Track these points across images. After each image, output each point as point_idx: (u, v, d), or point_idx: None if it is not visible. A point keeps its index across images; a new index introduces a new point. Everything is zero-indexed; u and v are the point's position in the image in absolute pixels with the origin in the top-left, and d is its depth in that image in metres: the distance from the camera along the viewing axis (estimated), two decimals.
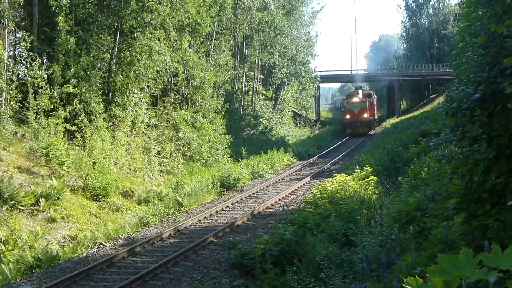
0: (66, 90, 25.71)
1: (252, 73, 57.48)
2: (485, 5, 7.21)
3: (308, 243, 14.07)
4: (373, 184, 21.52)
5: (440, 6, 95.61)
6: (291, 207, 22.30)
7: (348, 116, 62.74)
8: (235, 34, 50.27)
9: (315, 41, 74.39)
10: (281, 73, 61.65)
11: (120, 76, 29.65)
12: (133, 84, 30.11)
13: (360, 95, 64.65)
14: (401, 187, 19.14)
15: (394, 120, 65.36)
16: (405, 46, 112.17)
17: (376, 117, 70.73)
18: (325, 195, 20.53)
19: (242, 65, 54.41)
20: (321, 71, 77.86)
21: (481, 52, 7.10)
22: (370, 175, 22.58)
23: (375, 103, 69.57)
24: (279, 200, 23.94)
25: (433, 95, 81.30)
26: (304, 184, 28.13)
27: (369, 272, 10.52)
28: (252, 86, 57.62)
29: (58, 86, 25.61)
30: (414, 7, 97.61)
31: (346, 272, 11.79)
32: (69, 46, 26.10)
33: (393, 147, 29.19)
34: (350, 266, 12.15)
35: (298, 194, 25.53)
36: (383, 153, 29.05)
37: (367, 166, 24.14)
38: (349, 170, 26.52)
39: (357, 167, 25.48)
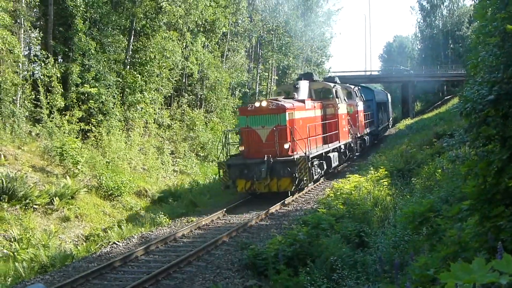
0: (84, 89, 25.92)
1: (266, 74, 57.48)
2: (501, 9, 7.16)
3: (322, 243, 14.05)
4: (386, 185, 21.45)
5: (455, 7, 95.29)
6: (305, 207, 22.26)
7: (243, 148, 24.84)
8: (250, 35, 50.35)
9: (329, 42, 74.20)
10: (295, 73, 61.49)
11: (134, 76, 29.79)
12: (147, 84, 30.24)
13: (303, 91, 28.00)
14: (415, 189, 19.05)
15: (408, 121, 63.76)
16: (419, 47, 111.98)
17: (347, 140, 32.76)
18: (339, 196, 20.49)
19: (256, 66, 54.46)
20: (335, 72, 77.54)
21: (496, 52, 7.06)
22: (384, 177, 22.51)
23: (344, 110, 32.36)
24: (292, 201, 23.90)
25: (448, 97, 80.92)
26: (317, 185, 28.06)
27: (382, 273, 10.48)
28: (266, 87, 57.61)
29: (74, 86, 25.80)
30: (428, 8, 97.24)
31: (359, 273, 11.76)
32: (88, 47, 26.33)
33: (407, 148, 29.06)
34: (363, 267, 12.11)
35: (312, 194, 25.47)
36: (397, 154, 28.93)
37: (381, 167, 24.06)
38: (363, 171, 26.44)
39: (371, 168, 25.39)
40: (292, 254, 13.64)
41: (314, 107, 27.78)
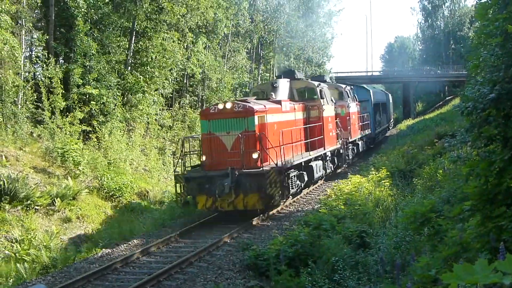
0: (86, 90, 25.98)
1: (267, 75, 57.52)
2: (502, 9, 7.17)
3: (323, 244, 14.06)
4: (388, 186, 21.45)
5: (456, 8, 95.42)
6: (306, 208, 22.25)
7: (204, 158, 20.47)
8: (251, 36, 50.39)
9: (330, 42, 74.16)
10: None
11: (135, 77, 29.85)
12: (148, 84, 30.30)
13: (282, 91, 24.55)
14: (416, 189, 19.05)
15: (409, 121, 63.53)
16: (420, 47, 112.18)
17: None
18: (340, 197, 20.49)
19: (257, 67, 54.51)
20: (337, 73, 77.55)
21: (498, 52, 7.05)
22: (385, 177, 22.49)
23: (331, 112, 28.73)
24: (294, 201, 23.88)
25: (449, 97, 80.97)
26: (318, 186, 28.03)
27: (383, 274, 10.48)
28: None
29: (75, 87, 25.84)
30: (430, 8, 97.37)
31: (360, 273, 11.76)
32: (89, 48, 26.38)
33: (408, 149, 29.05)
34: (365, 267, 12.11)
35: (312, 195, 25.45)
36: (398, 155, 28.91)
37: (382, 168, 24.05)
38: (364, 171, 26.42)
39: (372, 169, 25.38)
40: (293, 254, 13.65)
41: (294, 109, 23.94)
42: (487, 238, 6.90)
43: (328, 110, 27.50)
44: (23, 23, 25.39)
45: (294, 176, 21.29)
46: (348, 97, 34.28)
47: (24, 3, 25.36)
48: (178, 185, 20.05)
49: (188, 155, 21.97)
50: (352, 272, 11.84)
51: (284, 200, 21.63)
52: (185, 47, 35.55)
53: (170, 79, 33.97)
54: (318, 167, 24.69)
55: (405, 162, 25.83)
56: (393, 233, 13.28)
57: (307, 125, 25.17)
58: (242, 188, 19.08)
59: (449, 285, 2.73)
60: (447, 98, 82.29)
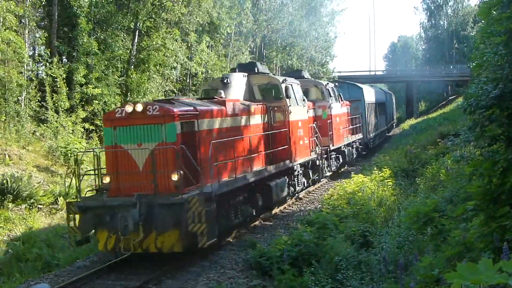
0: (89, 91, 26.02)
1: None
2: (505, 8, 7.16)
3: (327, 244, 14.05)
4: (391, 185, 21.44)
5: (459, 7, 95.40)
6: (308, 207, 22.23)
7: (108, 180, 14.27)
8: (254, 35, 50.39)
9: (333, 42, 74.09)
10: None
11: (141, 77, 29.90)
12: (149, 83, 30.34)
13: (236, 88, 19.48)
14: (419, 189, 19.05)
15: (412, 121, 63.55)
16: (424, 47, 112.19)
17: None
18: (343, 196, 20.48)
19: None
20: (340, 72, 77.38)
21: (501, 50, 7.04)
22: (388, 177, 22.49)
23: (302, 114, 22.79)
24: (297, 200, 23.86)
25: (452, 96, 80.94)
26: (321, 185, 27.99)
27: (386, 273, 10.47)
28: None
29: (78, 86, 25.89)
30: (433, 8, 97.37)
31: (363, 273, 11.75)
32: (91, 48, 26.43)
33: (411, 148, 29.03)
34: (368, 267, 12.11)
35: (315, 195, 25.44)
36: (401, 154, 28.91)
37: (385, 167, 24.04)
38: (367, 171, 26.39)
39: (375, 168, 25.35)
40: (297, 254, 13.65)
41: (248, 111, 18.22)
42: (491, 238, 6.89)
43: (297, 113, 21.98)
44: (27, 22, 25.43)
45: (238, 202, 16.66)
46: (330, 96, 28.85)
47: (28, 2, 25.40)
48: (70, 216, 14.31)
49: (94, 174, 16.09)
50: (355, 272, 11.84)
51: (213, 240, 13.97)
52: (188, 46, 35.55)
53: (171, 77, 34.02)
54: (279, 186, 19.36)
55: (408, 162, 25.83)
56: (396, 233, 13.29)
57: (268, 132, 19.86)
58: (155, 223, 13.35)
59: (452, 286, 2.72)
60: (450, 98, 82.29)
